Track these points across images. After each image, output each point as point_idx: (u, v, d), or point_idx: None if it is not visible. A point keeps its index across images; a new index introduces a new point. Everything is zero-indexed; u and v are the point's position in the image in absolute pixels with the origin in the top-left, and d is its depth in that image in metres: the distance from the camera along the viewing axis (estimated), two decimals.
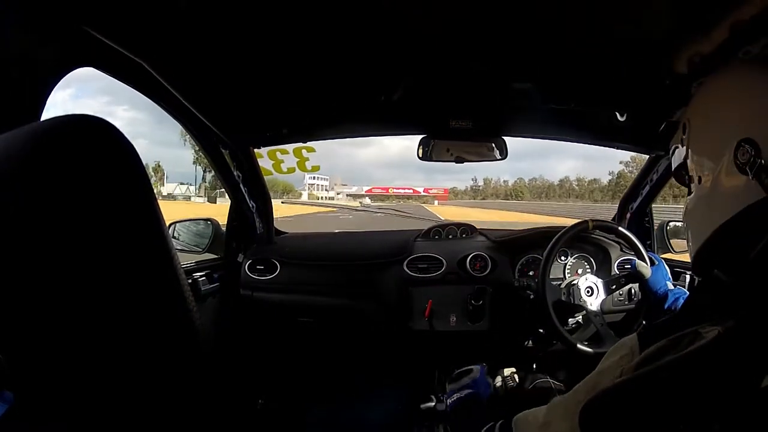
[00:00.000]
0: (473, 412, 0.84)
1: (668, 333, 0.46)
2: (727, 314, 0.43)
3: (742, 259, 0.49)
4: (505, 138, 1.38)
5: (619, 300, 1.36)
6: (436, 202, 77.71)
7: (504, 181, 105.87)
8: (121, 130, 0.34)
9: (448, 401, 0.88)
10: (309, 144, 1.44)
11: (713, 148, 0.51)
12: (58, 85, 0.66)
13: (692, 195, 0.57)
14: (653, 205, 1.61)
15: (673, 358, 0.43)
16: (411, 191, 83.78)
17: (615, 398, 0.47)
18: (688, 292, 1.15)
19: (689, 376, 0.41)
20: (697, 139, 0.55)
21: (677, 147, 0.60)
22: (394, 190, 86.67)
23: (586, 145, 1.56)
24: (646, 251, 1.29)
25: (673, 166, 0.62)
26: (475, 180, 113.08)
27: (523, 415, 0.61)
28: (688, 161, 0.57)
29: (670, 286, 1.17)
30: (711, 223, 0.51)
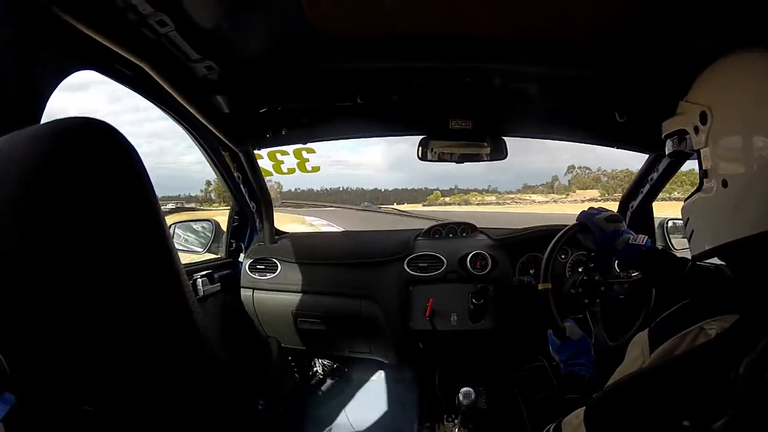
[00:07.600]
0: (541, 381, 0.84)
1: (675, 329, 0.46)
2: (730, 310, 0.44)
3: (744, 259, 0.49)
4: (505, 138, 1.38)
5: (620, 299, 1.36)
6: None
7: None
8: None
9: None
10: (309, 145, 1.44)
11: (751, 153, 0.47)
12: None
13: (707, 190, 0.53)
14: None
15: (675, 356, 0.44)
16: None
17: (619, 396, 0.47)
18: (630, 232, 1.06)
19: (691, 373, 0.42)
20: (725, 136, 0.51)
21: (684, 132, 0.56)
22: None
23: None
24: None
25: (670, 149, 0.59)
26: None
27: (568, 419, 0.60)
28: (706, 154, 0.53)
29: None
30: (737, 227, 0.48)
